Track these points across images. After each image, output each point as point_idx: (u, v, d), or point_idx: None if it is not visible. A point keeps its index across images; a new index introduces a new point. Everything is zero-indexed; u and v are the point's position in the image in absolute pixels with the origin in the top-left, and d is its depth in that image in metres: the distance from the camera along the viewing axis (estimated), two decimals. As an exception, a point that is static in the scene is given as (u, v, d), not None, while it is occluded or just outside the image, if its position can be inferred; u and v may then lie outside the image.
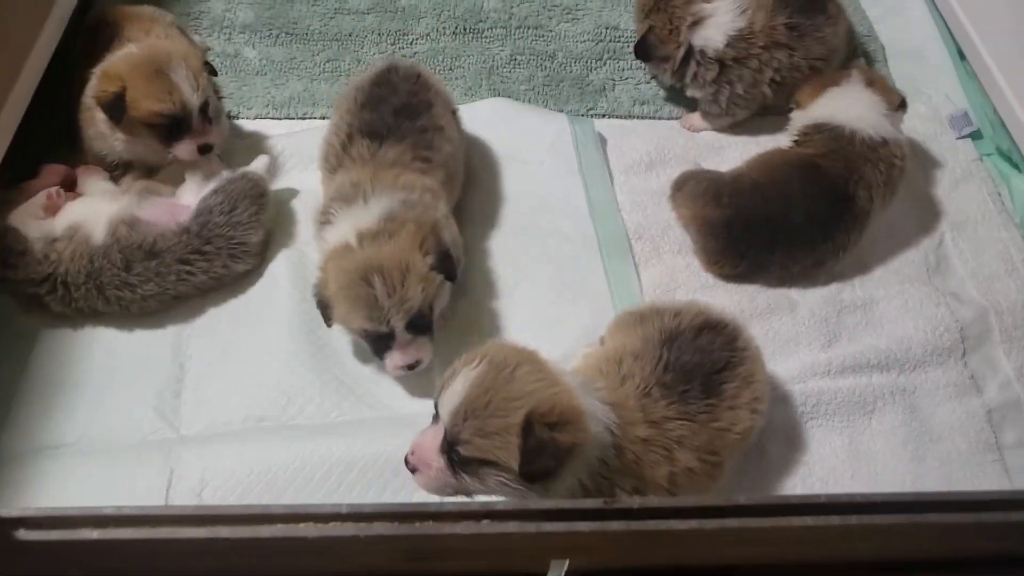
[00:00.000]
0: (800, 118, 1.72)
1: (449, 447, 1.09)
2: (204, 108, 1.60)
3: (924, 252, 1.73)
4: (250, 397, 1.48)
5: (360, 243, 1.40)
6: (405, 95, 1.58)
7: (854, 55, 1.99)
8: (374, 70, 1.64)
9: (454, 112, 1.69)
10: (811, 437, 1.47)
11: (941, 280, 1.69)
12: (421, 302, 1.37)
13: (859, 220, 1.61)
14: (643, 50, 1.88)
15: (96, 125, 1.62)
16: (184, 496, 1.35)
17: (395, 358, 1.41)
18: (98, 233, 1.52)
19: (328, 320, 1.43)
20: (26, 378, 1.48)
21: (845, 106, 1.66)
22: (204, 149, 1.62)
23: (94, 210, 1.56)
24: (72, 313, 1.53)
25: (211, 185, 1.59)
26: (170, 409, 1.47)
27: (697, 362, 1.26)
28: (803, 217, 1.59)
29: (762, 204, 1.61)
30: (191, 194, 1.63)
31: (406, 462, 1.15)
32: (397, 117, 1.55)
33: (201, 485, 1.36)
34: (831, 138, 1.63)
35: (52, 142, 1.79)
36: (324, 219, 1.49)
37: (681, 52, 1.82)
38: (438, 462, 1.11)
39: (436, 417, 1.14)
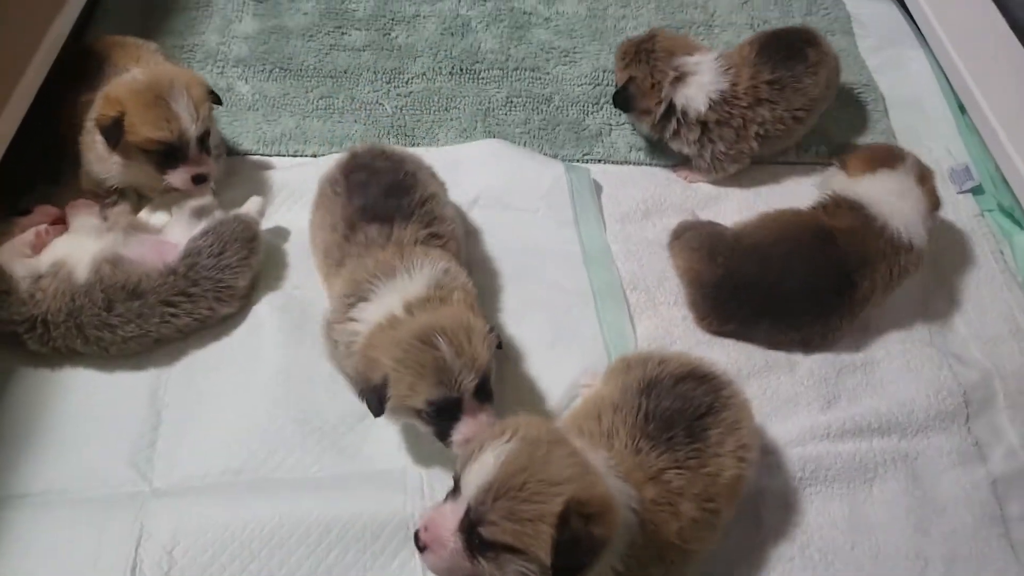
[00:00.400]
0: (839, 183, 1.66)
1: (470, 527, 1.01)
2: (203, 138, 1.59)
3: (925, 311, 1.69)
4: (228, 448, 1.42)
5: (409, 312, 1.31)
6: (388, 174, 1.51)
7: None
8: (338, 163, 1.56)
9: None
10: (809, 504, 1.42)
11: (943, 341, 1.65)
12: (488, 360, 1.26)
13: (853, 309, 1.56)
14: (622, 101, 1.84)
15: (95, 148, 1.60)
16: (154, 554, 1.29)
17: (467, 427, 1.24)
18: (81, 270, 1.47)
19: (382, 404, 1.26)
20: (-3, 421, 1.42)
21: (891, 194, 1.59)
22: (199, 179, 1.60)
23: (79, 247, 1.52)
24: (49, 352, 1.48)
25: (201, 225, 1.56)
26: (144, 459, 1.41)
27: (677, 408, 1.23)
28: (799, 289, 1.53)
29: (758, 269, 1.55)
30: (178, 231, 1.59)
31: (416, 538, 1.06)
32: (390, 197, 1.47)
33: (172, 543, 1.31)
34: (862, 221, 1.56)
35: (35, 177, 1.76)
36: (355, 299, 1.37)
37: (662, 108, 1.79)
38: (455, 543, 1.02)
39: (456, 492, 1.05)
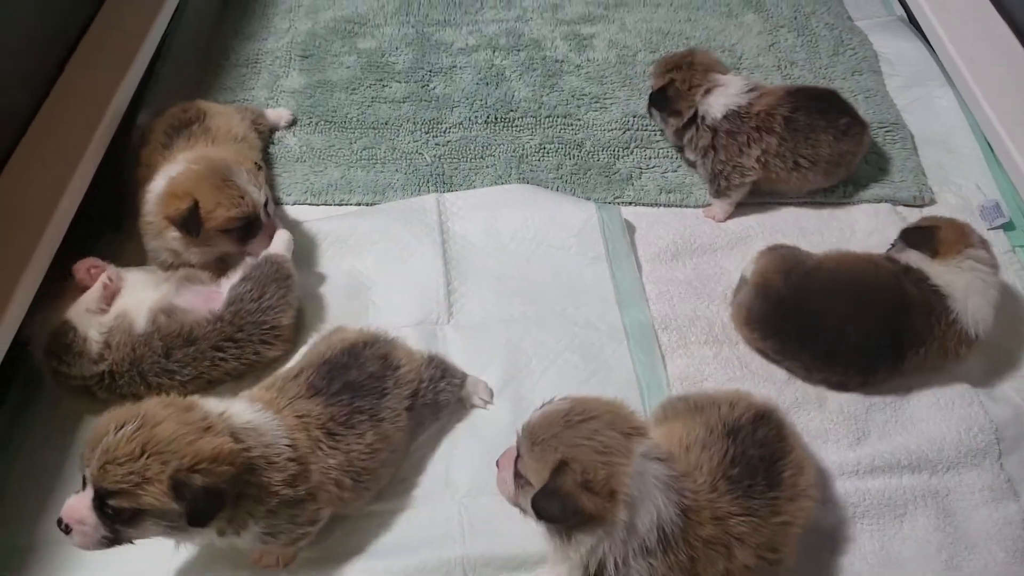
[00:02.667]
0: (917, 258, 1.63)
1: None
2: (265, 204, 1.69)
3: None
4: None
5: None
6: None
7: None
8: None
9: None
10: (839, 540, 1.44)
11: (974, 377, 1.65)
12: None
13: (894, 373, 1.59)
14: (660, 100, 1.96)
15: (166, 241, 1.68)
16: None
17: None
18: (140, 322, 1.57)
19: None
20: (66, 463, 1.52)
21: (969, 289, 1.58)
22: (269, 240, 1.70)
23: (137, 299, 1.62)
24: (116, 400, 1.56)
25: (239, 273, 1.65)
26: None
27: (760, 456, 1.28)
28: (855, 339, 1.55)
29: (823, 303, 1.58)
30: (228, 283, 1.68)
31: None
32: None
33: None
34: (939, 306, 1.56)
35: (102, 225, 1.89)
36: None
37: (690, 112, 1.92)
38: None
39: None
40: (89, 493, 1.16)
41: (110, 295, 1.62)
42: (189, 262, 1.72)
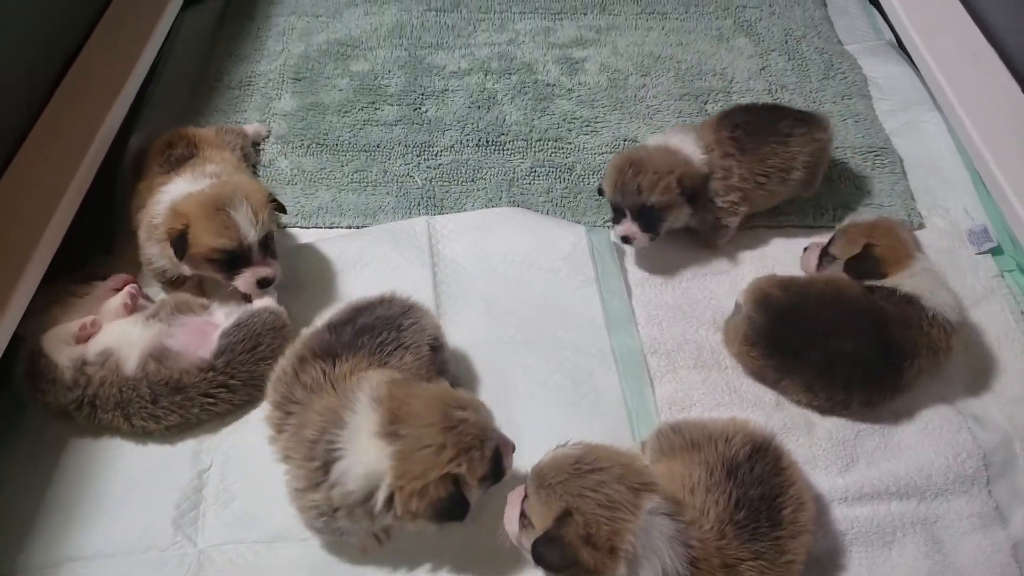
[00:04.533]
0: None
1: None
2: (265, 242, 1.65)
3: (944, 372, 1.68)
4: (268, 512, 1.49)
5: None
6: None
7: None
8: None
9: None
10: (829, 568, 1.44)
11: (962, 402, 1.65)
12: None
13: (897, 391, 1.59)
14: (693, 198, 1.79)
15: (166, 250, 1.66)
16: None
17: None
18: (130, 364, 1.55)
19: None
20: (51, 489, 1.52)
21: (932, 284, 1.60)
22: (263, 283, 1.65)
23: (127, 337, 1.59)
24: (96, 429, 1.58)
25: (233, 318, 1.62)
26: (189, 522, 1.49)
27: (760, 495, 1.28)
28: (852, 355, 1.55)
29: (819, 316, 1.58)
30: (222, 313, 1.69)
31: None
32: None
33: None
34: (915, 312, 1.57)
35: (92, 247, 1.89)
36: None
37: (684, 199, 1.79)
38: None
39: None
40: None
41: (84, 337, 1.59)
42: (184, 274, 1.72)
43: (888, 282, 1.61)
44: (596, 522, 1.14)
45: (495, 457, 1.26)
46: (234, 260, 1.62)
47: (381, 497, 1.22)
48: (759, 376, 1.68)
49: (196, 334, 1.61)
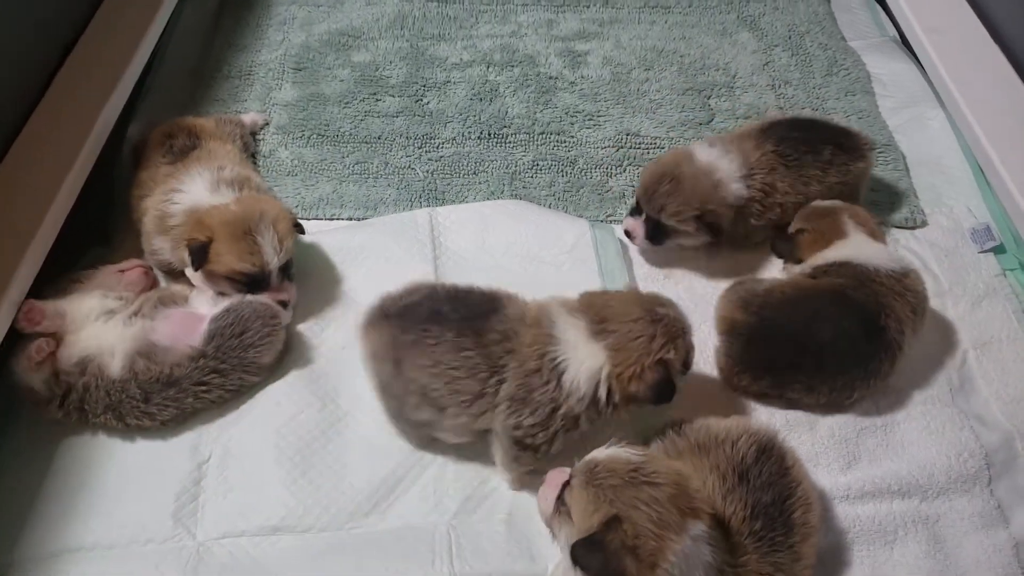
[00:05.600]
0: (812, 260, 1.69)
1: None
2: (285, 268, 1.66)
3: (946, 371, 1.70)
4: (267, 504, 1.48)
5: None
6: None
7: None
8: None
9: None
10: (830, 566, 1.43)
11: (965, 401, 1.66)
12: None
13: (891, 350, 1.57)
14: (714, 229, 1.79)
15: (180, 253, 1.66)
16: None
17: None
18: (115, 367, 1.52)
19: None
20: (49, 480, 1.50)
21: (860, 249, 1.65)
22: (280, 306, 1.66)
23: (103, 340, 1.55)
24: (91, 429, 1.56)
25: (223, 304, 1.60)
26: (188, 514, 1.48)
27: (771, 500, 1.28)
28: (832, 341, 1.55)
29: (789, 320, 1.58)
30: (204, 300, 1.66)
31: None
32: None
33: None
34: (855, 273, 1.60)
35: (88, 240, 1.88)
36: None
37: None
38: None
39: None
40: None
41: (40, 358, 1.51)
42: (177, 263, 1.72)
43: (818, 261, 1.65)
44: (645, 536, 1.12)
45: (690, 349, 1.41)
46: (253, 283, 1.63)
47: (603, 388, 1.35)
48: (762, 398, 1.65)
49: (180, 325, 1.59)
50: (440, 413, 1.43)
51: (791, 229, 1.77)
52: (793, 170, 1.81)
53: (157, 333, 1.57)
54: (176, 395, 1.53)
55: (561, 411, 1.37)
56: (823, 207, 1.76)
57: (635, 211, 1.84)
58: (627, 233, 1.84)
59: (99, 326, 1.58)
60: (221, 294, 1.66)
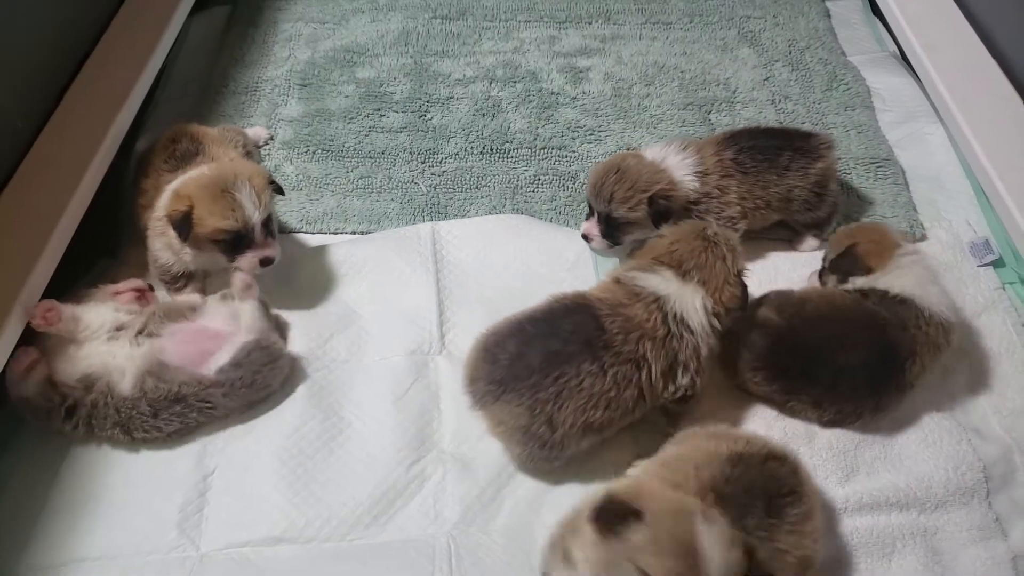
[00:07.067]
0: (873, 278, 1.65)
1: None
2: (266, 223, 1.68)
3: (945, 385, 1.70)
4: (270, 516, 1.50)
5: None
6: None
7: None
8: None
9: None
10: (828, 578, 1.45)
11: (963, 414, 1.66)
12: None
13: (905, 390, 1.58)
14: (662, 215, 1.78)
15: (168, 238, 1.70)
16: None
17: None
18: (125, 385, 1.54)
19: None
20: (55, 492, 1.52)
21: (922, 282, 1.61)
22: (265, 262, 1.69)
23: (113, 356, 1.57)
24: (97, 441, 1.58)
25: (228, 356, 1.60)
26: (192, 525, 1.49)
27: (762, 482, 1.29)
28: (853, 367, 1.55)
29: (817, 334, 1.58)
30: (210, 313, 1.68)
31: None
32: None
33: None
34: (909, 312, 1.58)
35: (96, 253, 1.91)
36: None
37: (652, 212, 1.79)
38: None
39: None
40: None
41: (27, 370, 1.54)
42: (187, 267, 1.75)
43: (879, 284, 1.62)
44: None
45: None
46: (238, 241, 1.66)
47: (711, 315, 1.50)
48: (766, 400, 1.66)
49: (190, 343, 1.61)
50: (601, 434, 1.48)
51: (837, 248, 1.72)
52: (751, 176, 1.83)
53: (167, 353, 1.58)
54: (182, 410, 1.55)
55: (704, 353, 1.51)
56: (856, 224, 1.77)
57: (589, 214, 1.87)
58: (585, 237, 1.88)
59: (104, 344, 1.58)
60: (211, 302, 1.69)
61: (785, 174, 1.84)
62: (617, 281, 1.55)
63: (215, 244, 1.66)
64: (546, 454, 1.47)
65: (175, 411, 1.55)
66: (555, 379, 1.41)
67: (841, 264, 1.68)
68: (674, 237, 1.57)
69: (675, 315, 1.48)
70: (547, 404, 1.41)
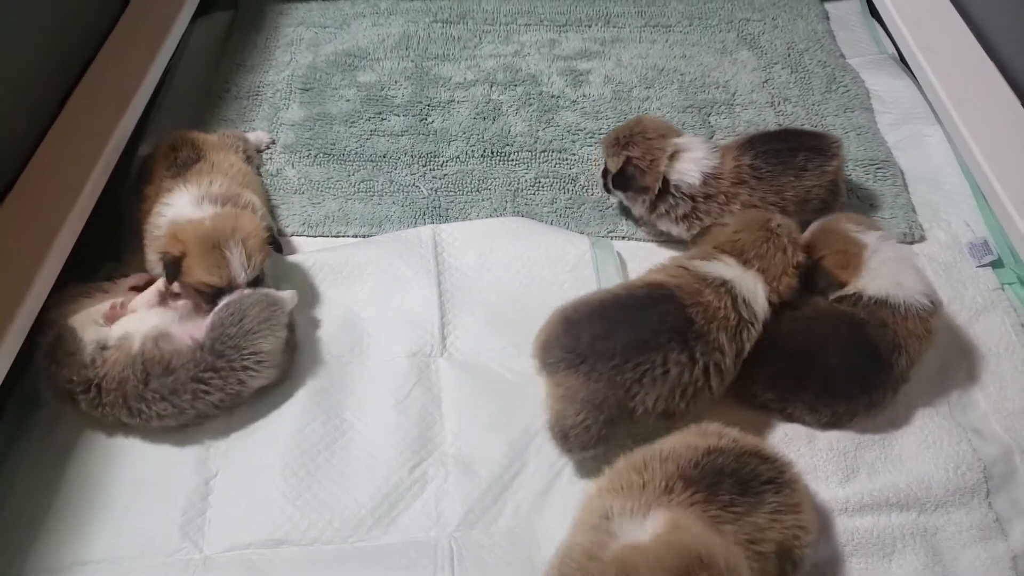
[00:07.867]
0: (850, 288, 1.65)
1: None
2: (255, 283, 1.69)
3: (945, 385, 1.71)
4: (272, 518, 1.50)
5: None
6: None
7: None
8: None
9: None
10: (828, 579, 1.45)
11: (963, 415, 1.67)
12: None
13: (896, 385, 1.59)
14: (623, 181, 1.89)
15: (158, 267, 1.72)
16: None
17: None
18: (135, 344, 1.59)
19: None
20: (58, 494, 1.53)
21: (894, 278, 1.61)
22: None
23: (143, 321, 1.64)
24: (99, 417, 1.58)
25: (224, 300, 1.64)
26: (195, 528, 1.50)
27: (734, 467, 1.30)
28: (841, 368, 1.56)
29: (805, 339, 1.60)
30: None
31: None
32: None
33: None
34: (886, 311, 1.59)
35: (101, 257, 1.92)
36: None
37: (658, 184, 1.85)
38: None
39: None
40: None
41: (113, 316, 1.65)
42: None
43: (852, 288, 1.63)
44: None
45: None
46: (220, 294, 1.66)
47: (762, 294, 1.56)
48: (764, 409, 1.66)
49: (200, 327, 1.63)
50: (671, 421, 1.51)
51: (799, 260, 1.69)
52: (766, 181, 1.84)
53: (176, 325, 1.64)
54: (172, 386, 1.54)
55: (756, 334, 1.56)
56: (823, 225, 1.74)
57: (604, 182, 1.98)
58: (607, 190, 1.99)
59: (151, 312, 1.67)
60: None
61: (803, 175, 1.85)
62: (682, 267, 1.59)
63: (198, 293, 1.68)
64: (594, 433, 1.47)
65: (164, 384, 1.54)
66: (635, 366, 1.44)
67: (814, 285, 1.68)
68: (738, 227, 1.63)
69: (743, 299, 1.53)
70: (623, 388, 1.44)
